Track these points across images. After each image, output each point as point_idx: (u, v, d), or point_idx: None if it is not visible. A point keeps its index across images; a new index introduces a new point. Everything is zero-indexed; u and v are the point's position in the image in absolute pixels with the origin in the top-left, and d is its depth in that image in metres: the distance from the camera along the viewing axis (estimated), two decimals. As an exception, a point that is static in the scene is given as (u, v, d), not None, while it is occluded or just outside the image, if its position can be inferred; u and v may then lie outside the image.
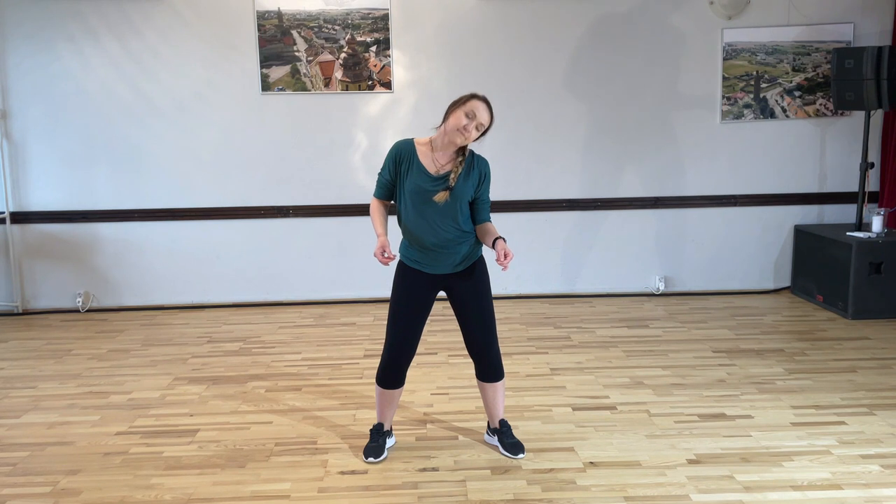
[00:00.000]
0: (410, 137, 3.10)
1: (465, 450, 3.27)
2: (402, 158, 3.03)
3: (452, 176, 2.98)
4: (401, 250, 3.14)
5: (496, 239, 2.99)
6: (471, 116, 2.92)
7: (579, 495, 2.88)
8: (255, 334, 4.98)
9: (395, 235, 3.20)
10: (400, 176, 3.03)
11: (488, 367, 3.18)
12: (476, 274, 3.12)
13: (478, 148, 3.14)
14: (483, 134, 3.00)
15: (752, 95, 5.55)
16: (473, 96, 2.96)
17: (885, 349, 4.48)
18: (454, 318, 3.26)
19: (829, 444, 3.25)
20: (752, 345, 4.59)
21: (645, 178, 5.64)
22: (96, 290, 5.61)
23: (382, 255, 2.91)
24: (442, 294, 3.17)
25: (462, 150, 3.03)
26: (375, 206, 3.11)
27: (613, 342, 4.69)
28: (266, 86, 5.42)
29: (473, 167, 3.04)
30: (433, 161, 3.01)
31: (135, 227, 5.54)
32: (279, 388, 4.03)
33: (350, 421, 3.58)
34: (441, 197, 2.96)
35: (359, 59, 5.42)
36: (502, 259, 2.89)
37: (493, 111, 3.00)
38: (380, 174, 3.10)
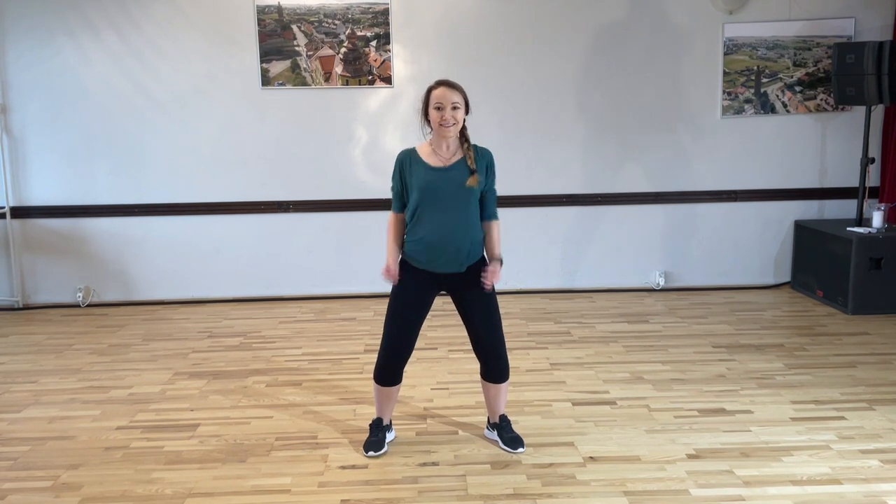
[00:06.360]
0: (412, 147, 3.11)
1: (465, 444, 3.27)
2: (405, 164, 3.06)
3: (470, 162, 3.00)
4: (404, 249, 3.12)
5: (494, 259, 3.10)
6: (441, 107, 2.94)
7: (579, 490, 2.88)
8: (256, 329, 4.98)
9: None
10: (406, 180, 3.05)
11: (495, 369, 3.18)
12: (481, 275, 3.11)
13: (479, 139, 3.14)
14: (467, 108, 3.01)
15: (752, 90, 5.54)
16: (429, 90, 3.00)
17: (884, 344, 4.48)
18: (454, 312, 3.26)
19: (829, 439, 3.26)
20: (752, 340, 4.59)
21: (645, 174, 5.63)
22: (97, 285, 5.61)
23: (387, 274, 3.07)
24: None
25: (463, 137, 3.04)
26: (391, 225, 3.14)
27: (613, 337, 4.69)
28: (266, 80, 5.41)
29: (481, 158, 3.05)
30: (438, 158, 3.02)
31: (135, 221, 5.54)
32: (279, 382, 4.03)
33: (350, 416, 3.59)
34: (472, 181, 2.98)
35: (359, 54, 5.41)
36: (487, 278, 3.03)
37: (458, 85, 3.00)
38: (391, 188, 3.13)
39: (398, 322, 3.09)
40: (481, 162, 3.05)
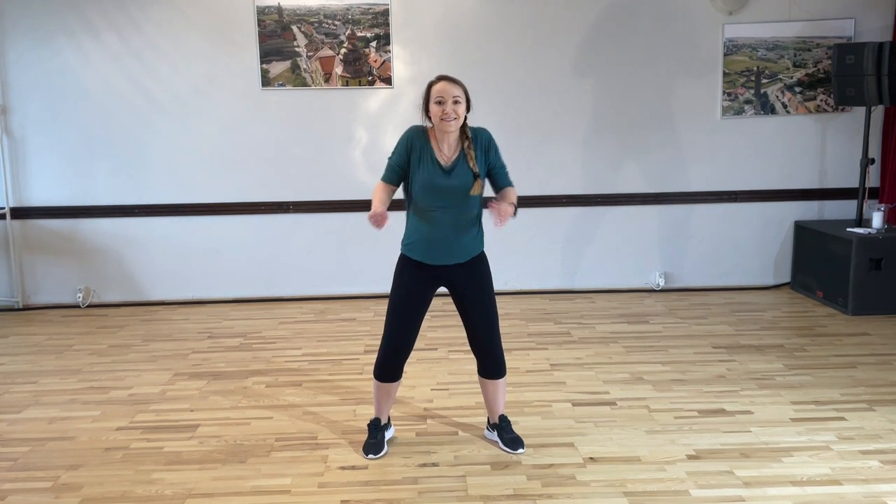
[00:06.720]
0: (424, 126, 3.06)
1: (465, 445, 3.27)
2: (414, 145, 3.01)
3: (472, 164, 2.97)
4: (403, 243, 3.13)
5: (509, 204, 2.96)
6: (442, 101, 2.92)
7: (579, 490, 2.88)
8: (256, 330, 4.98)
9: (399, 228, 3.20)
10: (411, 165, 3.01)
11: (491, 364, 3.18)
12: (479, 269, 3.11)
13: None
14: (468, 104, 2.99)
15: (752, 91, 5.54)
16: (429, 85, 2.98)
17: (884, 345, 4.48)
18: (454, 313, 3.26)
19: (829, 440, 3.26)
20: (752, 340, 4.59)
21: (645, 174, 5.63)
22: (97, 286, 5.61)
23: (374, 218, 2.84)
24: (442, 290, 3.16)
25: (463, 134, 3.01)
26: (378, 187, 3.04)
27: (613, 338, 4.69)
28: (266, 81, 5.41)
29: (477, 143, 3.02)
30: (441, 155, 3.00)
31: (135, 222, 5.54)
32: (279, 383, 4.03)
33: (350, 416, 3.59)
34: (476, 189, 2.96)
35: (359, 55, 5.42)
36: (498, 214, 2.88)
37: (459, 80, 2.98)
38: (390, 158, 3.06)
39: (398, 319, 3.09)
40: (480, 146, 3.01)
